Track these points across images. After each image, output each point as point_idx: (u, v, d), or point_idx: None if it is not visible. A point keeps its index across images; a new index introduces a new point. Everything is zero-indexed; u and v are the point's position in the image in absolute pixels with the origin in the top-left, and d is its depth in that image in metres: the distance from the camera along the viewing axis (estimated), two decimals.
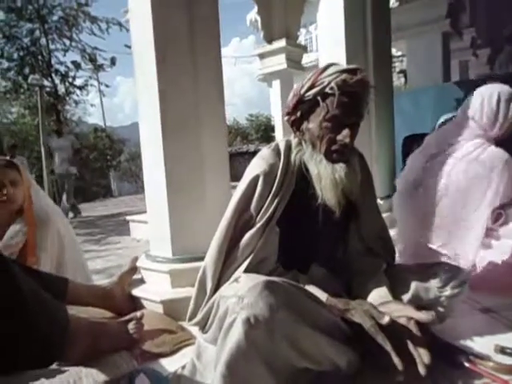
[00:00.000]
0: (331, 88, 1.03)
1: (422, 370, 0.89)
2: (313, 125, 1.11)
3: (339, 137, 1.07)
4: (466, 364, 1.02)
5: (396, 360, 0.88)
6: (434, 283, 1.17)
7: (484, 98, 1.64)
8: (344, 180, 1.08)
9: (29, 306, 0.81)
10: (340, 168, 1.09)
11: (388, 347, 0.89)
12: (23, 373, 0.91)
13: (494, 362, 1.01)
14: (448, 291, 1.16)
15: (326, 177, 1.09)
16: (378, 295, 1.09)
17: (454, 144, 1.72)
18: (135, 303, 1.56)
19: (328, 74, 1.06)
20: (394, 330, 0.93)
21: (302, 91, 1.10)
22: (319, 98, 1.06)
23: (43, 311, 0.86)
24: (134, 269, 1.65)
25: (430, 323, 1.10)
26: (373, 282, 1.16)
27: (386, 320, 0.92)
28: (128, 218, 3.97)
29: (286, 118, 1.19)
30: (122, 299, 1.52)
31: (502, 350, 1.07)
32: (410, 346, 0.92)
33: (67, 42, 12.68)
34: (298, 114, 1.14)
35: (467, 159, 1.65)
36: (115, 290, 1.52)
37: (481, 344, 1.15)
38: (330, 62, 1.13)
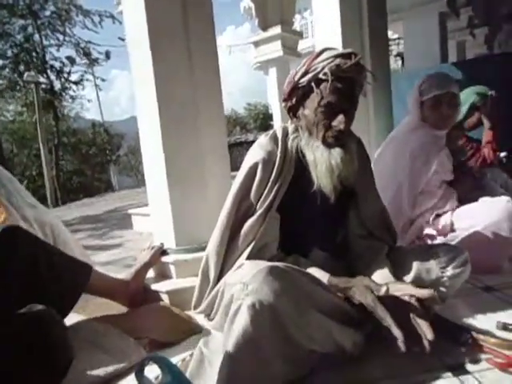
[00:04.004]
0: (325, 74, 1.03)
1: (426, 346, 0.91)
2: (308, 111, 1.11)
3: (334, 123, 1.07)
4: (470, 341, 1.04)
5: (396, 331, 0.90)
6: (436, 264, 1.18)
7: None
8: (340, 166, 1.08)
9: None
10: (336, 154, 1.08)
11: (388, 319, 0.92)
12: None
13: (497, 338, 1.03)
14: (450, 271, 1.17)
15: (321, 163, 1.09)
16: (381, 277, 1.11)
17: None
18: (152, 295, 1.55)
19: (322, 59, 1.06)
20: (398, 308, 0.95)
21: (296, 78, 1.10)
22: (313, 84, 1.06)
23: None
24: (149, 263, 1.59)
25: (433, 303, 1.13)
26: (375, 264, 1.17)
27: (383, 290, 0.95)
28: (130, 211, 3.99)
29: (283, 104, 1.19)
30: (137, 292, 1.51)
31: (504, 327, 1.09)
32: (415, 323, 0.94)
33: (61, 37, 12.62)
34: (294, 100, 1.14)
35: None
36: (131, 282, 1.51)
37: (483, 321, 1.17)
38: (325, 46, 1.12)
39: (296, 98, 1.13)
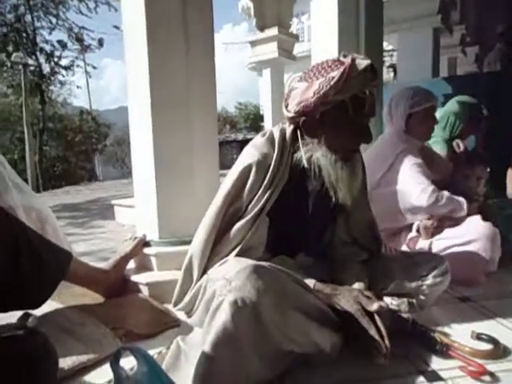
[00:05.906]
0: (363, 93, 1.02)
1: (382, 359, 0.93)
2: (334, 127, 1.06)
3: (362, 141, 1.09)
4: (444, 349, 1.06)
5: (383, 343, 0.90)
6: (417, 272, 1.20)
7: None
8: (356, 184, 1.10)
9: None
10: (351, 167, 1.09)
11: (372, 331, 0.92)
12: None
13: (470, 347, 1.05)
14: (430, 280, 1.19)
15: (343, 178, 1.07)
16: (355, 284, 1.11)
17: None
18: (131, 287, 1.52)
19: (357, 73, 0.99)
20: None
21: (331, 92, 0.99)
22: (348, 100, 1.01)
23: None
24: (130, 254, 1.57)
25: (411, 311, 1.15)
26: (351, 270, 1.18)
27: (374, 307, 0.95)
28: (113, 202, 3.93)
29: (302, 118, 1.07)
30: (116, 282, 1.49)
31: (478, 337, 1.11)
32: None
33: (53, 20, 12.31)
34: (318, 114, 1.05)
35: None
36: (111, 272, 1.48)
37: (459, 331, 1.19)
38: (351, 55, 1.03)
39: (322, 111, 1.04)
